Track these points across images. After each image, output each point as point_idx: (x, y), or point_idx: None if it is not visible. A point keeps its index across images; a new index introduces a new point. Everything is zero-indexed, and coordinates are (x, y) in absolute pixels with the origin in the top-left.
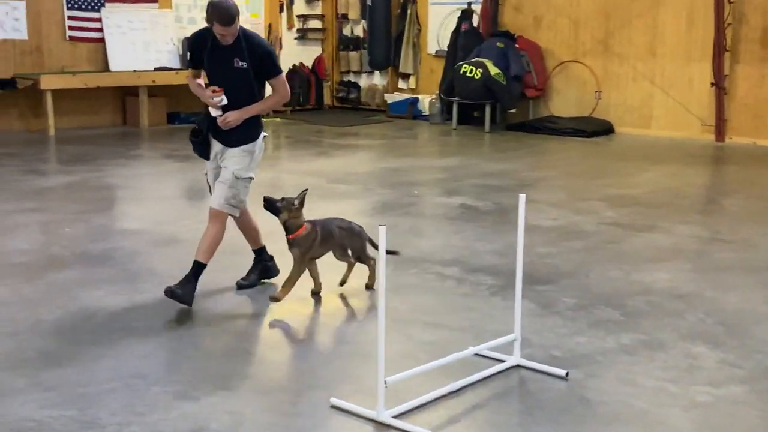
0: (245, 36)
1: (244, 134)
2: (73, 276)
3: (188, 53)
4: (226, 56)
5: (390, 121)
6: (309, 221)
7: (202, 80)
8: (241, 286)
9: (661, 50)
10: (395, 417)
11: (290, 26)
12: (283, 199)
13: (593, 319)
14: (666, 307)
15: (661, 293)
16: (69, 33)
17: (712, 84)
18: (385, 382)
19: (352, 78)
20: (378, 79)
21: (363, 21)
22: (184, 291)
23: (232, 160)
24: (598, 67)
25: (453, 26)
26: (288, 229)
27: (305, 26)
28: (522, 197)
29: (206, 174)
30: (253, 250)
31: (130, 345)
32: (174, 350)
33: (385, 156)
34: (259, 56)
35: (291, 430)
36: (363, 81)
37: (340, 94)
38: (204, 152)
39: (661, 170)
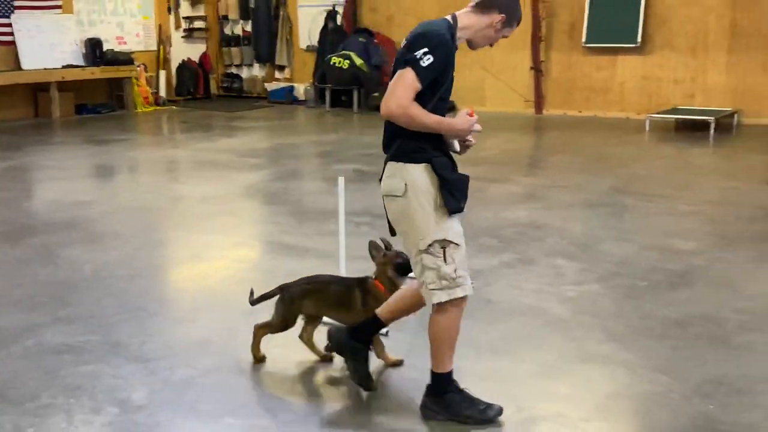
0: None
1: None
2: (50, 240)
3: (440, 67)
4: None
5: (272, 106)
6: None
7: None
8: None
9: None
10: None
11: (178, 26)
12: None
13: (479, 246)
14: (530, 234)
15: (524, 225)
16: None
17: (531, 68)
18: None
19: (234, 70)
20: (257, 71)
21: (242, 21)
22: None
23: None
24: None
25: (321, 25)
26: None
27: (191, 26)
28: None
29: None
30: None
31: (123, 288)
32: (164, 285)
33: (277, 134)
34: None
35: None
36: (244, 73)
37: (225, 84)
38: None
39: (500, 137)
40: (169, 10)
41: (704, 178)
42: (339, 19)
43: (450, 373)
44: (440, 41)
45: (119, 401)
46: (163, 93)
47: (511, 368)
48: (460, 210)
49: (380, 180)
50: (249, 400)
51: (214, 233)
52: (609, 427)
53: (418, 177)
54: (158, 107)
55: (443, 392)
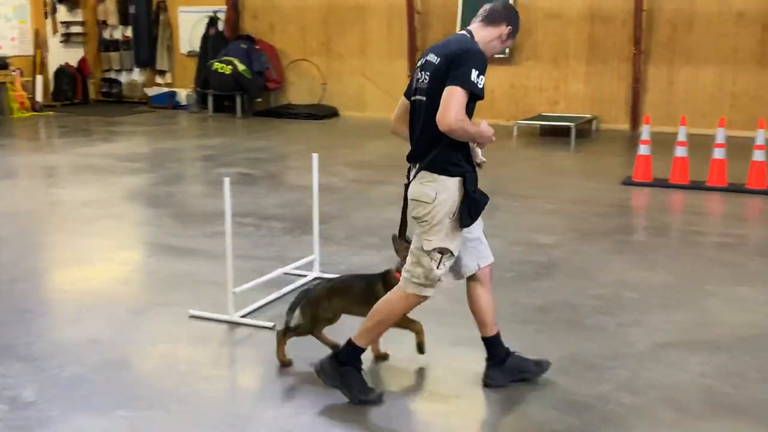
0: None
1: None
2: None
3: (481, 80)
4: None
5: (153, 111)
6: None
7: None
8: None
9: (370, 50)
10: (242, 316)
11: (55, 31)
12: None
13: (362, 244)
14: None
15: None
16: None
17: (409, 75)
18: (234, 292)
19: (113, 75)
20: (137, 76)
21: (121, 26)
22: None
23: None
24: (322, 64)
25: (203, 31)
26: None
27: (69, 31)
28: (315, 156)
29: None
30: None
31: (7, 290)
32: (49, 287)
33: (159, 138)
34: None
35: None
36: (124, 78)
37: (104, 89)
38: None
39: (380, 142)
40: (45, 14)
41: (565, 179)
42: (221, 26)
43: (361, 350)
44: (485, 60)
45: (8, 399)
46: (39, 98)
47: (391, 355)
48: (469, 225)
49: (407, 184)
50: (140, 394)
51: (96, 236)
52: (478, 400)
53: (449, 190)
54: (35, 112)
55: (346, 363)
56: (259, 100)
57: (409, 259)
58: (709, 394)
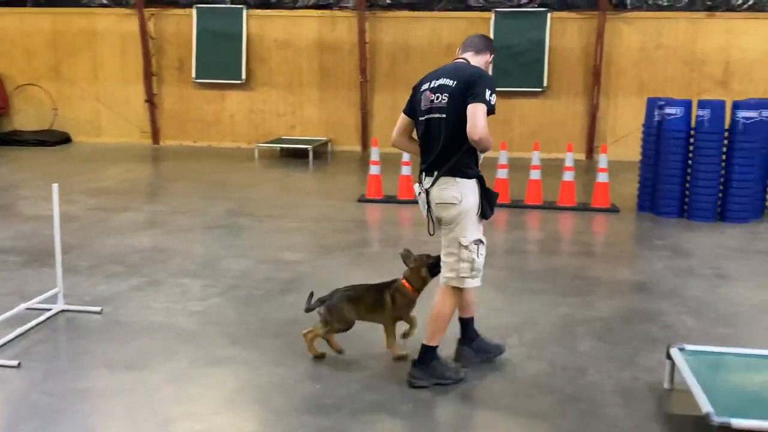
0: None
1: None
2: None
3: (493, 98)
4: None
5: None
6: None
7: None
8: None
9: (102, 75)
10: None
11: None
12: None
13: (107, 273)
14: (154, 258)
15: (148, 250)
16: None
17: (146, 100)
18: None
19: None
20: None
21: None
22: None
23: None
24: (52, 89)
25: None
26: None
27: None
28: (55, 187)
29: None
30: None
31: None
32: None
33: None
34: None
35: None
36: None
37: None
38: None
39: (119, 167)
40: None
41: (306, 198)
42: None
43: (436, 348)
44: (494, 82)
45: None
46: None
47: (146, 379)
48: (489, 217)
49: (427, 189)
50: None
51: None
52: (236, 416)
53: (470, 190)
54: None
55: (429, 361)
56: None
57: (446, 260)
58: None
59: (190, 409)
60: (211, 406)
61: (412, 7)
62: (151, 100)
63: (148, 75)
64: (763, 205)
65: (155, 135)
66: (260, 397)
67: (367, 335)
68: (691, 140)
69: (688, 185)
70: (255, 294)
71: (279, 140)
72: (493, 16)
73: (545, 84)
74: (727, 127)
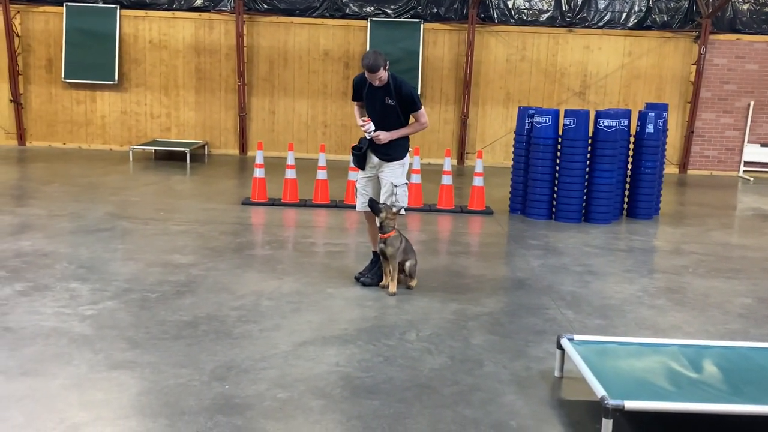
0: (394, 80)
1: (396, 152)
2: None
3: (352, 90)
4: (379, 95)
5: None
6: (396, 229)
7: (359, 110)
8: (364, 283)
9: None
10: None
11: None
12: (383, 203)
13: None
14: (38, 263)
15: (31, 254)
16: None
17: (11, 100)
18: None
19: None
20: None
21: None
22: (372, 278)
23: (389, 172)
24: None
25: None
26: (383, 229)
27: None
28: None
29: (357, 181)
30: (373, 252)
31: None
32: None
33: None
34: (404, 96)
35: None
36: None
37: None
38: (361, 164)
39: None
40: None
41: (188, 201)
42: None
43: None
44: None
45: None
46: None
47: (46, 385)
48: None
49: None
50: None
51: None
52: (146, 419)
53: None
54: None
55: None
56: None
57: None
58: (347, 380)
59: (97, 413)
60: (119, 410)
61: (290, 13)
62: (17, 100)
63: (15, 74)
64: (622, 208)
65: (21, 136)
66: (169, 399)
67: (266, 335)
68: (559, 147)
69: (556, 189)
70: (149, 297)
71: (154, 142)
72: (369, 24)
73: (419, 92)
74: (590, 134)
